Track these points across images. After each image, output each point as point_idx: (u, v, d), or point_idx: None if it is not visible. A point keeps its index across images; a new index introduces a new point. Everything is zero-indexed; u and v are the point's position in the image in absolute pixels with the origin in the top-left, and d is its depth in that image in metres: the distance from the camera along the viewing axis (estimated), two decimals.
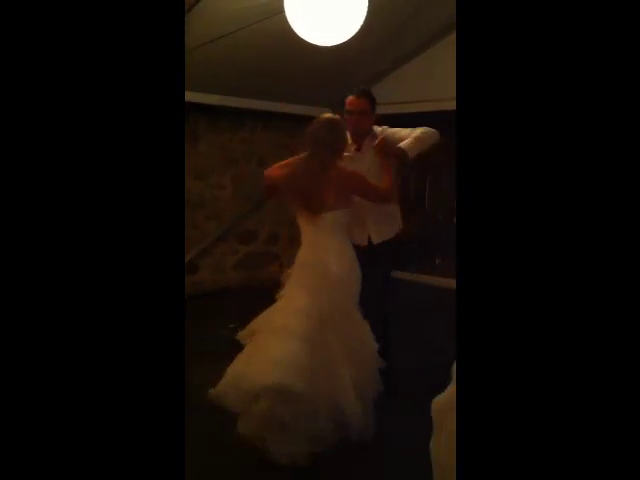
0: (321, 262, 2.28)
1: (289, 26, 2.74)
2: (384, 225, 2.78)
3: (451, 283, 4.47)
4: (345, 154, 2.49)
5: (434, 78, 4.67)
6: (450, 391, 1.30)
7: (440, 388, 1.37)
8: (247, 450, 2.30)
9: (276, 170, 2.43)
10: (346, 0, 2.62)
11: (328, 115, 2.41)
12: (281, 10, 2.79)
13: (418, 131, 2.65)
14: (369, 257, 2.57)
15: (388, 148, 2.59)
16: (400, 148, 2.57)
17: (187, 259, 4.68)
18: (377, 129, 2.75)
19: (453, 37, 4.01)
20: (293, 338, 2.11)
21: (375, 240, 2.76)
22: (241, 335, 2.32)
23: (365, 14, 2.71)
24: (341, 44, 2.85)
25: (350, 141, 2.65)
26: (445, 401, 1.31)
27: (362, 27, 2.77)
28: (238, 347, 2.28)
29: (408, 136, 2.63)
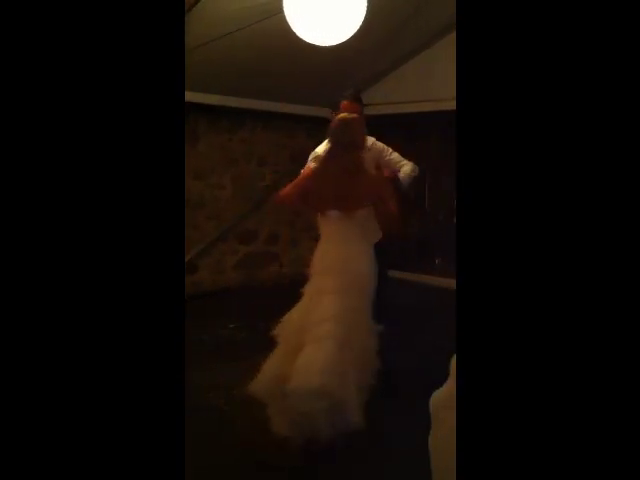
0: (349, 260, 2.38)
1: (289, 26, 2.75)
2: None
3: (451, 283, 4.47)
4: None
5: (434, 78, 4.67)
6: (449, 386, 1.30)
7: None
8: (247, 450, 2.31)
9: (292, 189, 2.50)
10: (345, 0, 2.63)
11: (344, 115, 2.49)
12: (281, 10, 2.79)
13: (409, 168, 2.85)
14: None
15: (394, 175, 2.79)
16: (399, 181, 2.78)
17: (187, 259, 4.68)
18: (368, 141, 2.78)
19: (453, 37, 4.01)
20: (329, 345, 2.21)
21: None
22: (274, 334, 2.40)
23: (364, 14, 2.71)
24: (341, 44, 2.85)
25: None
26: (444, 396, 1.32)
27: (361, 27, 2.78)
28: (238, 347, 2.28)
29: (398, 161, 2.85)
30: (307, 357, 2.21)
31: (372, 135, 2.83)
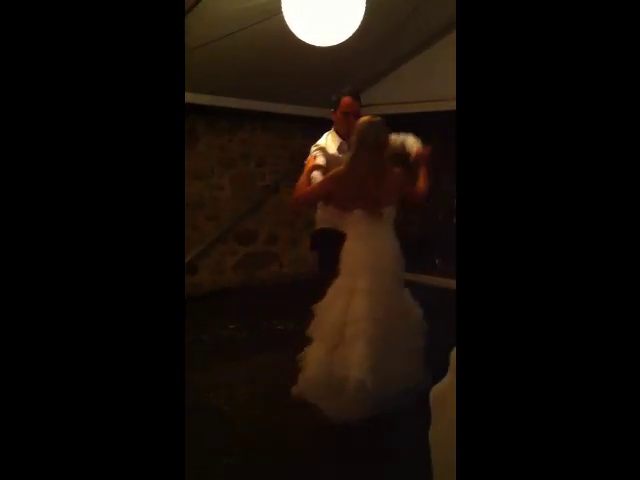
0: (381, 257, 2.46)
1: (288, 27, 2.75)
2: None
3: (451, 283, 4.46)
4: (339, 155, 2.69)
5: (433, 78, 4.66)
6: (449, 379, 1.31)
7: None
8: (247, 450, 2.31)
9: (314, 191, 2.56)
10: (344, 0, 2.63)
11: (367, 117, 2.56)
12: (280, 10, 2.79)
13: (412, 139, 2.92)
14: None
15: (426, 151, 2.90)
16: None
17: (187, 260, 4.68)
18: None
19: (452, 37, 4.02)
20: (370, 344, 2.32)
21: None
22: (308, 333, 2.50)
23: (363, 14, 2.71)
24: (340, 44, 2.85)
25: (343, 141, 2.77)
26: (444, 389, 1.32)
27: (360, 27, 2.78)
28: (238, 347, 2.29)
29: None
30: (349, 353, 2.32)
31: None
